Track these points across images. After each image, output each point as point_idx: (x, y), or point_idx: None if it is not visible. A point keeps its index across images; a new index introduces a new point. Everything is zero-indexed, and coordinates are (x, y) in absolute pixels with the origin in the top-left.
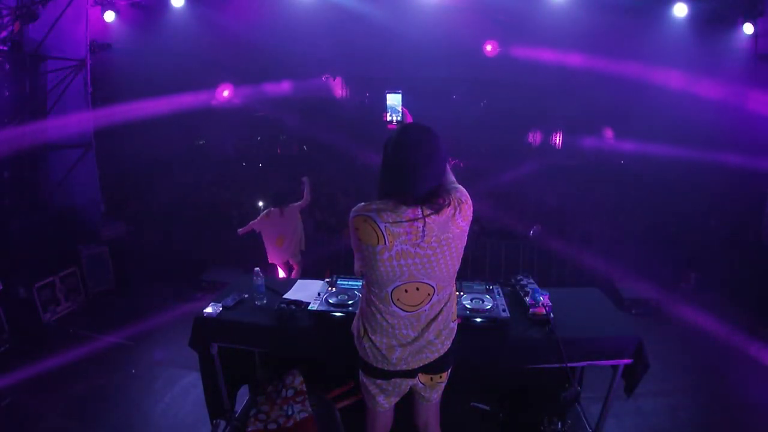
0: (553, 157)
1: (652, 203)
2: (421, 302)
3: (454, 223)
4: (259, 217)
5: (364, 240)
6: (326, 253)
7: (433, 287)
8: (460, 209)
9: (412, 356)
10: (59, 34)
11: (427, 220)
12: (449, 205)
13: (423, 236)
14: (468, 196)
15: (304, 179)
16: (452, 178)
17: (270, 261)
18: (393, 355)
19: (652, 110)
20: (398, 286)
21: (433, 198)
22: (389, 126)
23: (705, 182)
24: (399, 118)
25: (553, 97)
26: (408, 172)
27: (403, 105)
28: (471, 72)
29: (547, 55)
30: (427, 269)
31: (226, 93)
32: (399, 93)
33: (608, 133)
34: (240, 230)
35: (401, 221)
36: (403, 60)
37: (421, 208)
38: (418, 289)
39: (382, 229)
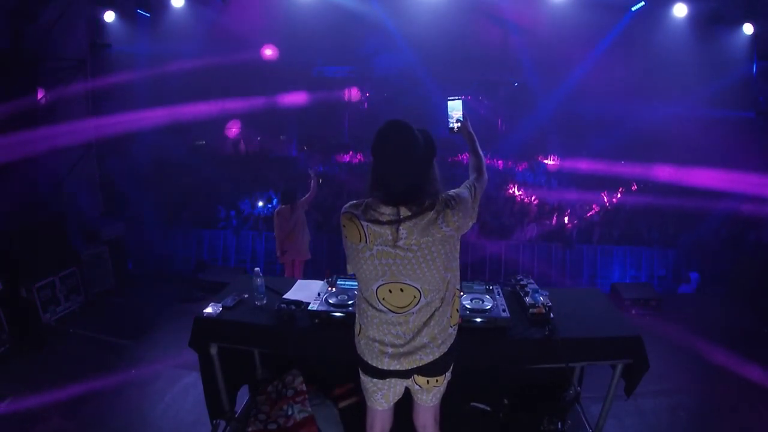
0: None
1: (653, 203)
2: (408, 304)
3: (436, 227)
4: (275, 224)
5: (349, 237)
6: (326, 253)
7: (418, 290)
8: (444, 214)
9: (405, 357)
10: (59, 34)
11: (405, 221)
12: (431, 208)
13: (399, 237)
14: (462, 202)
15: (311, 171)
16: (473, 180)
17: (281, 261)
18: (386, 354)
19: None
20: (382, 285)
21: (413, 199)
22: (451, 133)
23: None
24: (459, 125)
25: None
26: (382, 170)
27: (464, 111)
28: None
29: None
30: (408, 271)
31: (234, 130)
32: (460, 99)
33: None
34: (280, 258)
35: (381, 221)
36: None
37: (400, 209)
38: (402, 290)
39: (364, 227)
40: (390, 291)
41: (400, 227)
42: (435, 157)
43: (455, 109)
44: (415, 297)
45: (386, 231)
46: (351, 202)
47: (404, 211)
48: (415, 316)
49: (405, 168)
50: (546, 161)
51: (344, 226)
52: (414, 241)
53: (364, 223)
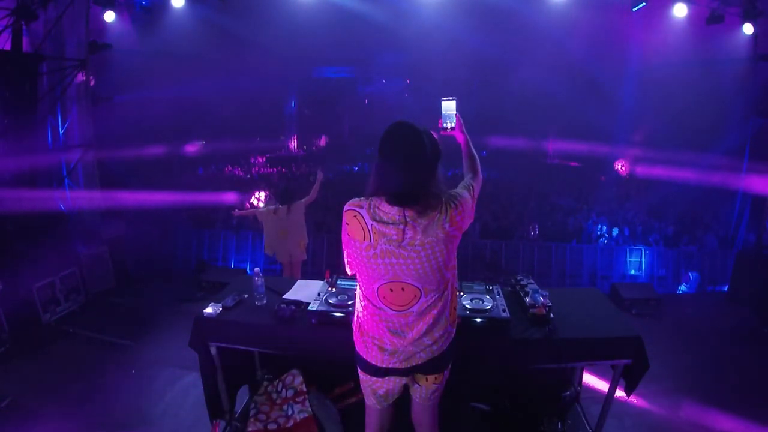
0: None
1: (652, 202)
2: (408, 303)
3: (440, 227)
4: (264, 209)
5: (352, 235)
6: (326, 253)
7: (419, 289)
8: (448, 215)
9: (406, 356)
10: (59, 34)
11: (410, 221)
12: (435, 209)
13: (405, 237)
14: (464, 202)
15: (319, 172)
16: (470, 180)
17: (272, 255)
18: (386, 353)
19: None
20: (383, 284)
21: (418, 200)
22: (442, 133)
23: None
24: (453, 125)
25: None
26: (391, 170)
27: (456, 112)
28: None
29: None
30: (411, 270)
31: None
32: (453, 100)
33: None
34: (236, 212)
35: (386, 221)
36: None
37: (405, 210)
38: (403, 289)
39: (369, 226)
40: (391, 290)
41: (406, 228)
42: (440, 157)
43: (449, 108)
44: (415, 296)
45: (391, 231)
46: (354, 200)
47: (410, 212)
48: (415, 315)
49: (414, 169)
50: None
51: (347, 223)
52: (419, 241)
53: (369, 222)
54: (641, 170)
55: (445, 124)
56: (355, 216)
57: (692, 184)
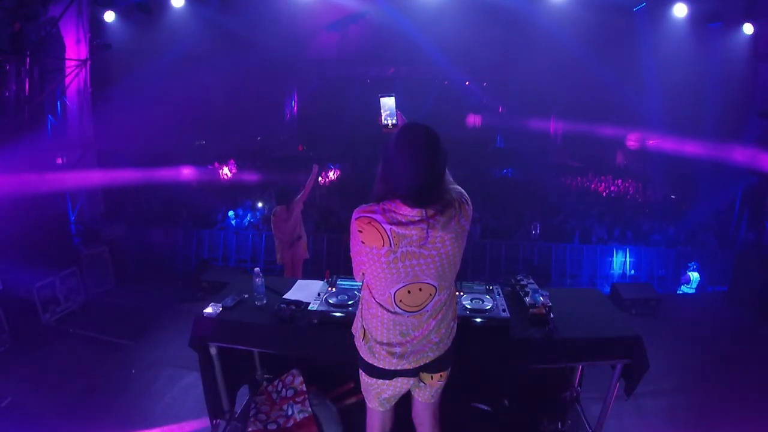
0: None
1: (652, 203)
2: (423, 302)
3: (457, 222)
4: (272, 226)
5: (368, 242)
6: (326, 253)
7: (435, 287)
8: (461, 209)
9: (414, 356)
10: (59, 34)
11: (431, 220)
12: (451, 205)
13: (428, 237)
14: (467, 197)
15: (315, 166)
16: (450, 179)
17: (280, 260)
18: (395, 355)
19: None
20: (401, 287)
21: (436, 198)
22: (384, 130)
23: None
24: (394, 122)
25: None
26: (409, 172)
27: (397, 108)
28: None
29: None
30: (431, 269)
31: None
32: (392, 96)
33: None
34: (278, 260)
35: (406, 223)
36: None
37: (425, 209)
38: (420, 289)
39: (387, 231)
40: (409, 292)
41: (429, 227)
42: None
43: (388, 105)
44: (430, 294)
45: (412, 232)
46: (362, 206)
47: (431, 211)
48: (428, 314)
49: (436, 169)
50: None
51: (361, 231)
52: (439, 239)
53: (387, 227)
54: (653, 143)
55: (386, 122)
56: (369, 222)
57: (692, 184)
